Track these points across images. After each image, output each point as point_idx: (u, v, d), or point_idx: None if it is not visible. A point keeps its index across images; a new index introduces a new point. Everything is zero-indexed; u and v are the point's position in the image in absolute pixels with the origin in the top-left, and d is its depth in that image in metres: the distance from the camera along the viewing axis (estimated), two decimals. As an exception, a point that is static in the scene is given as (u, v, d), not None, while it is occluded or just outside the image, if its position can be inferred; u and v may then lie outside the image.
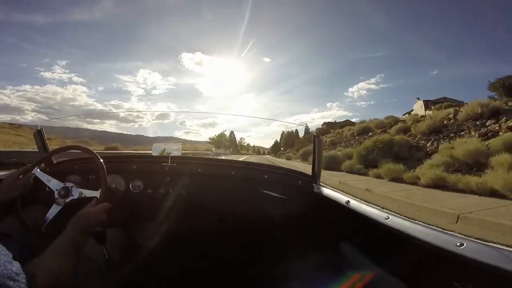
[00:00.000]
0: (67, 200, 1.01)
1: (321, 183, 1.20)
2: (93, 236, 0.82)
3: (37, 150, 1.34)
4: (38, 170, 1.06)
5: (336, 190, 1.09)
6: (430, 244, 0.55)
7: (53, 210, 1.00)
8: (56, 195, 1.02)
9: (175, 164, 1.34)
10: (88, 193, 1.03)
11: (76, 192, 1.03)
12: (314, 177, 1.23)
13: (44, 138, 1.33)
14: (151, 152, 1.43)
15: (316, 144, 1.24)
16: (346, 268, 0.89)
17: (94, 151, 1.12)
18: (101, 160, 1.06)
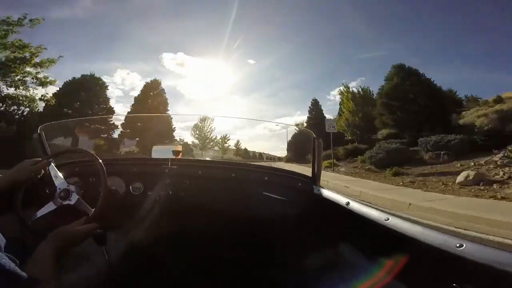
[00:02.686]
0: (64, 203, 1.01)
1: (321, 185, 1.21)
2: (93, 238, 0.81)
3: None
4: (52, 164, 1.06)
5: (336, 191, 1.09)
6: (430, 245, 0.55)
7: (46, 208, 0.99)
8: (56, 194, 1.01)
9: (175, 167, 1.35)
10: (84, 206, 1.00)
11: (74, 198, 1.02)
12: (314, 179, 1.23)
13: (44, 141, 1.33)
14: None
15: (315, 146, 1.25)
16: (346, 269, 0.89)
17: (95, 154, 1.12)
18: (101, 163, 1.06)
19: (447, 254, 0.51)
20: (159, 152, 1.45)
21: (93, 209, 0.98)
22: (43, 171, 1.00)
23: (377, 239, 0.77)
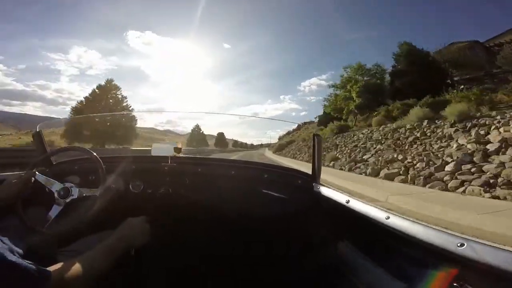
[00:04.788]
0: (67, 200, 1.02)
1: (321, 182, 1.20)
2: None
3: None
4: (37, 172, 1.06)
5: (336, 189, 1.09)
6: (431, 244, 0.55)
7: (54, 211, 1.00)
8: (56, 196, 1.02)
9: (174, 164, 1.34)
10: (87, 192, 1.04)
11: (75, 192, 1.03)
12: (314, 176, 1.23)
13: (43, 139, 1.32)
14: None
15: (316, 142, 1.24)
16: (345, 268, 0.89)
17: (93, 152, 1.12)
18: (100, 160, 1.06)
19: (448, 253, 0.51)
20: (159, 149, 1.44)
21: (98, 188, 0.99)
22: (30, 183, 0.99)
23: (376, 238, 0.77)
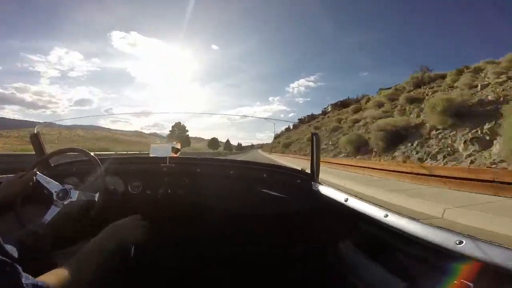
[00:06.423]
0: (66, 202, 1.01)
1: (319, 181, 1.20)
2: None
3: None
4: (38, 172, 1.06)
5: (335, 188, 1.09)
6: (429, 242, 0.55)
7: (51, 212, 0.99)
8: (54, 197, 1.01)
9: (173, 165, 1.34)
10: (86, 195, 1.03)
11: (74, 194, 1.03)
12: (313, 175, 1.22)
13: (41, 141, 1.32)
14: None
15: (314, 141, 1.23)
16: (344, 266, 0.89)
17: (92, 153, 1.12)
18: (99, 162, 1.06)
19: (447, 251, 0.51)
20: (157, 150, 1.43)
21: (97, 193, 0.99)
22: (31, 183, 0.99)
23: (375, 236, 0.77)
